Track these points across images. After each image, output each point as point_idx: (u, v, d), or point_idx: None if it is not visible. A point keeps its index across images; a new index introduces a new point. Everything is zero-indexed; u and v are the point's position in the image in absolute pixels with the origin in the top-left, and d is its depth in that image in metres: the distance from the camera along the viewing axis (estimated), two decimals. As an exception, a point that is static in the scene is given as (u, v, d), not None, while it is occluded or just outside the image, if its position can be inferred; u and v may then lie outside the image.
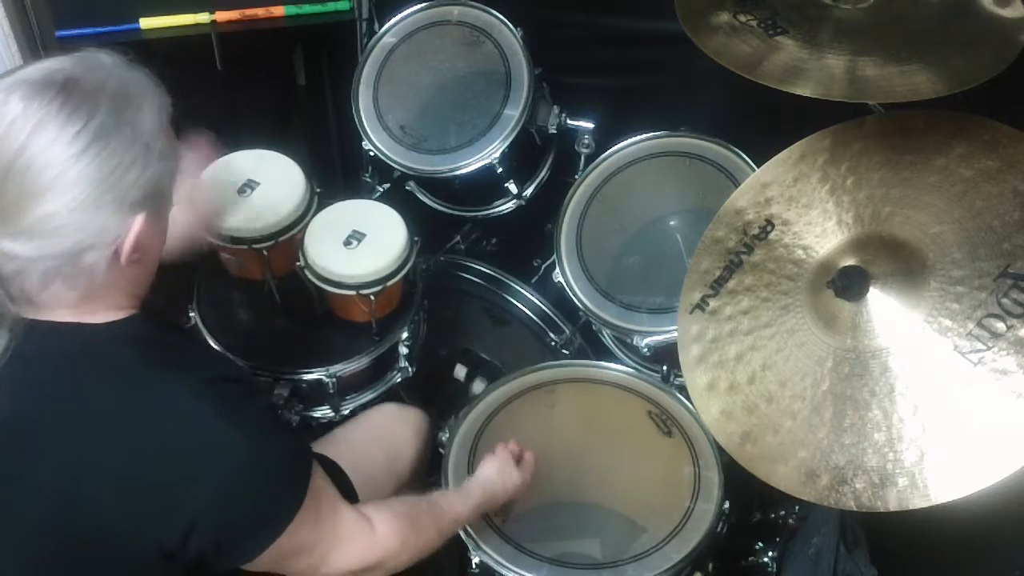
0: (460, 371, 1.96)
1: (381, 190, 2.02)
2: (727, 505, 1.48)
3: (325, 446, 1.57)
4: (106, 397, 1.05)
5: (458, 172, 1.87)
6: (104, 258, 1.04)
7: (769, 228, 1.40)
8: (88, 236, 1.02)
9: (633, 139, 1.86)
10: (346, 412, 1.73)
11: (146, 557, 1.05)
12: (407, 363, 1.75)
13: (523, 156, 1.93)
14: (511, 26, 1.93)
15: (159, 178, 1.06)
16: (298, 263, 1.65)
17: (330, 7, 2.15)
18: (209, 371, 1.11)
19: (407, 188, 2.03)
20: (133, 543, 1.05)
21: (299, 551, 1.13)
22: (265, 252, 1.65)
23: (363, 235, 1.65)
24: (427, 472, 1.65)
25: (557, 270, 1.80)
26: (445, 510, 1.35)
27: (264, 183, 1.69)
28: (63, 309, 1.06)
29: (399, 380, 1.77)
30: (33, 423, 1.06)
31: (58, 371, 1.07)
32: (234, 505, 1.06)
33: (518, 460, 1.49)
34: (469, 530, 1.44)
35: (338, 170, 2.51)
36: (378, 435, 1.61)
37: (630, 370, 1.71)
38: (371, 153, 1.92)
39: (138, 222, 1.04)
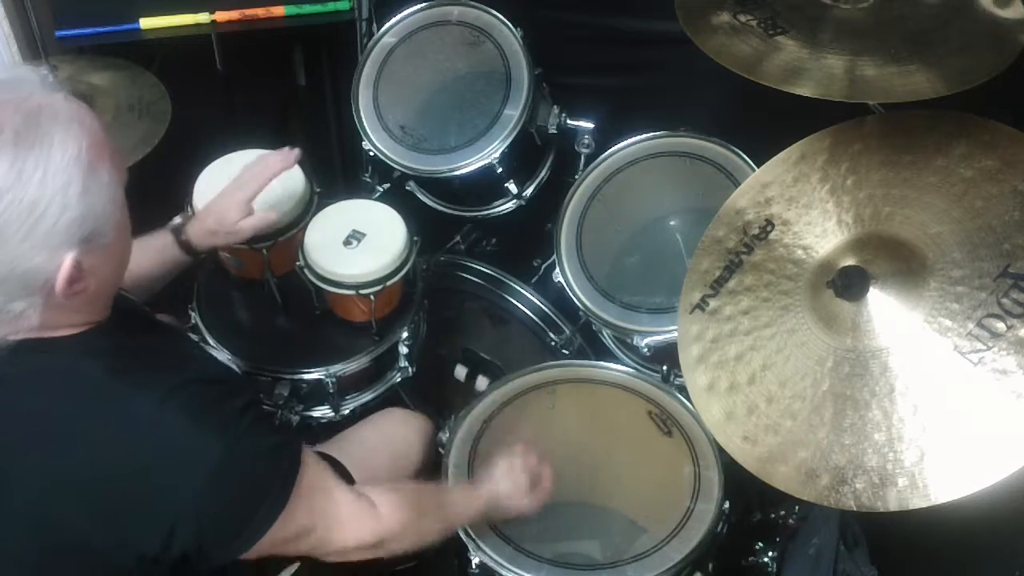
0: (460, 371, 1.96)
1: (381, 190, 2.03)
2: (727, 505, 1.48)
3: (331, 444, 1.58)
4: (73, 411, 1.04)
5: (458, 172, 1.87)
6: (36, 303, 1.00)
7: (769, 228, 1.40)
8: (8, 289, 0.98)
9: (633, 139, 1.86)
10: (346, 412, 1.73)
11: (128, 566, 1.04)
12: (407, 363, 1.75)
13: (523, 156, 1.93)
14: (511, 26, 1.93)
15: (83, 217, 0.98)
16: (298, 263, 1.65)
17: (330, 7, 2.15)
18: (180, 375, 1.08)
19: (407, 188, 2.03)
20: (112, 555, 1.04)
21: (295, 538, 1.13)
22: (265, 252, 1.65)
23: (363, 235, 1.65)
24: (429, 477, 1.65)
25: (557, 270, 1.80)
26: (450, 507, 1.36)
27: (264, 183, 1.69)
28: (19, 333, 1.04)
29: (399, 380, 1.77)
30: (2, 442, 1.05)
31: (23, 389, 1.05)
32: (214, 509, 1.04)
33: (535, 480, 1.45)
34: (469, 530, 1.44)
35: (338, 170, 2.51)
36: (384, 437, 1.62)
37: (630, 370, 1.71)
38: (371, 153, 1.92)
39: (68, 261, 0.98)
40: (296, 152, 1.55)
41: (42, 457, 1.03)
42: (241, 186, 1.53)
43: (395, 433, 1.63)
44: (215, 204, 1.53)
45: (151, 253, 1.48)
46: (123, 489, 1.03)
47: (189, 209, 1.66)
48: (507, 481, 1.42)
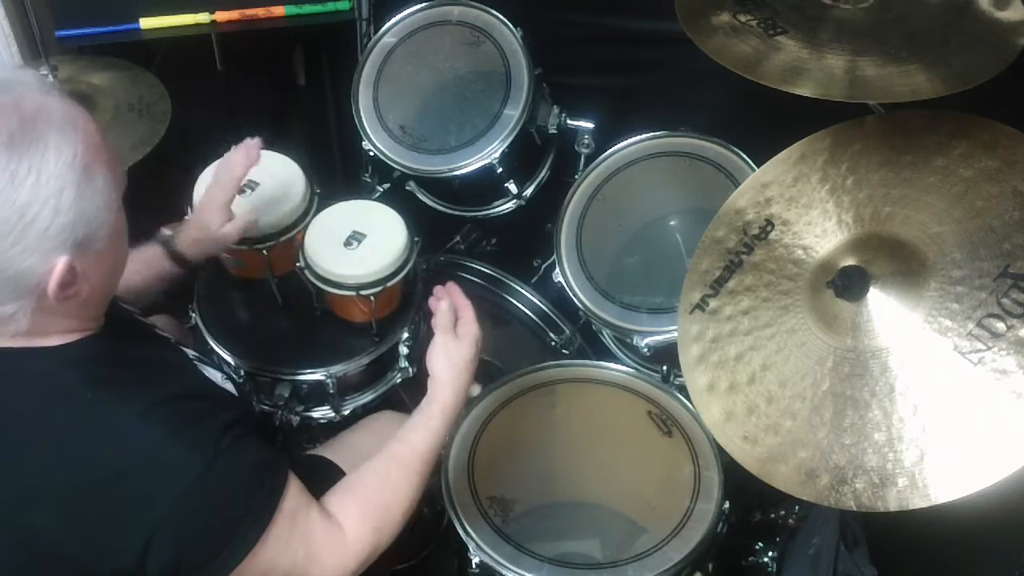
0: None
1: (381, 190, 2.03)
2: (727, 505, 1.48)
3: (327, 449, 1.58)
4: (54, 421, 1.03)
5: (458, 172, 1.87)
6: (27, 307, 1.00)
7: (769, 228, 1.40)
8: None
9: (633, 139, 1.85)
10: (346, 412, 1.73)
11: None
12: (407, 363, 1.75)
13: (523, 156, 1.93)
14: (511, 26, 1.93)
15: (75, 222, 0.98)
16: (298, 264, 1.65)
17: (330, 7, 2.15)
18: (165, 389, 1.07)
19: (407, 188, 2.03)
20: (87, 565, 1.03)
21: (275, 571, 1.10)
22: (265, 252, 1.65)
23: (363, 235, 1.65)
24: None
25: (557, 270, 1.80)
26: (412, 458, 1.28)
27: (264, 183, 1.69)
28: (7, 338, 1.03)
29: (399, 380, 1.77)
30: None
31: (5, 396, 1.05)
32: (190, 528, 1.03)
33: (456, 317, 1.41)
34: (469, 530, 1.44)
35: (338, 170, 2.51)
36: (378, 440, 1.61)
37: (630, 370, 1.71)
38: (371, 153, 1.92)
39: (60, 264, 0.98)
40: (257, 142, 1.51)
41: (17, 461, 1.03)
42: (217, 191, 1.51)
43: (388, 435, 1.62)
44: (196, 214, 1.52)
45: (140, 266, 1.46)
46: (97, 499, 1.01)
47: (190, 210, 1.67)
48: (440, 362, 1.36)
